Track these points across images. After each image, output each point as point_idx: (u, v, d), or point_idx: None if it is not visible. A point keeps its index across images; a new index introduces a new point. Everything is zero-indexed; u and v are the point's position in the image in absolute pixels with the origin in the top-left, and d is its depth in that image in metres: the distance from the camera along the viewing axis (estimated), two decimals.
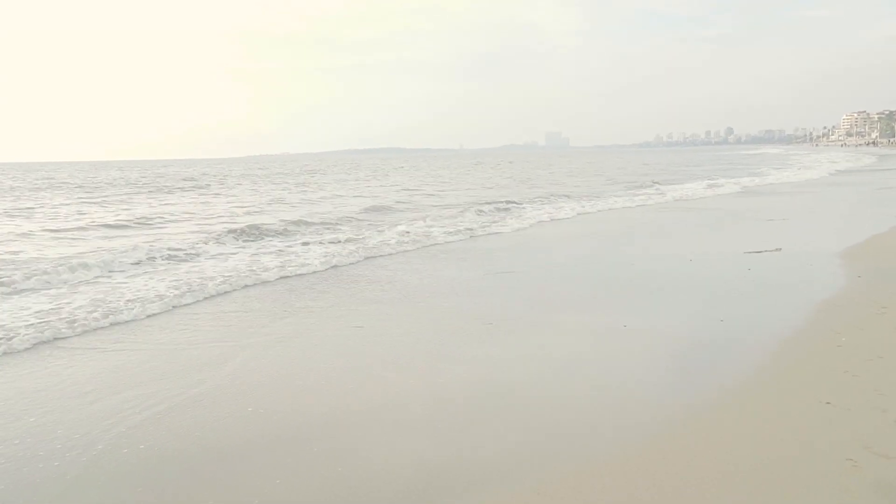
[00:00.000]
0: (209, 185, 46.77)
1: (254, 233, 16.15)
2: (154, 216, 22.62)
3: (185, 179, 55.53)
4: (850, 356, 5.85)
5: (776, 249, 12.13)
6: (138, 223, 20.34)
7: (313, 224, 18.41)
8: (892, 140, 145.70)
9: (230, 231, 16.10)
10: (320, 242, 14.61)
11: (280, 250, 13.65)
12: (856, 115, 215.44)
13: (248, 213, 23.30)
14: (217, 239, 15.04)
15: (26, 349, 6.88)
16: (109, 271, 11.12)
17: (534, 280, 10.30)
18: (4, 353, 6.76)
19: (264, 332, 7.47)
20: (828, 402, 4.84)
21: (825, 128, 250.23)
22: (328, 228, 17.76)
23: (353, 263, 12.04)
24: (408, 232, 15.95)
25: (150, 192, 38.69)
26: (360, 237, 15.28)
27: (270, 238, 15.69)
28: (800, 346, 6.31)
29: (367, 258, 12.57)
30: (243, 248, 14.26)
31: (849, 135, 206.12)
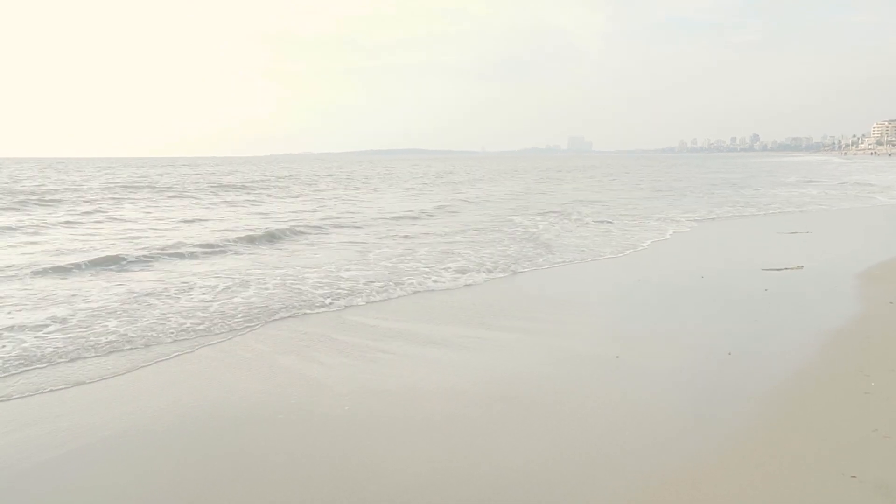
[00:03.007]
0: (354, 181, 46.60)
1: None
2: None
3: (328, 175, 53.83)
4: (882, 408, 4.85)
5: (798, 267, 11.06)
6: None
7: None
8: None
9: None
10: None
11: None
12: (886, 123, 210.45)
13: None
14: None
15: None
16: None
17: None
18: None
19: None
20: (853, 476, 3.86)
21: (854, 136, 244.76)
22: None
23: None
24: None
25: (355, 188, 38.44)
26: None
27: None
28: (820, 392, 5.31)
29: None
30: None
31: (879, 143, 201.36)
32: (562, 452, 4.34)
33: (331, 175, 58.07)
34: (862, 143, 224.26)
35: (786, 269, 10.95)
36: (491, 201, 27.62)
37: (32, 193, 30.43)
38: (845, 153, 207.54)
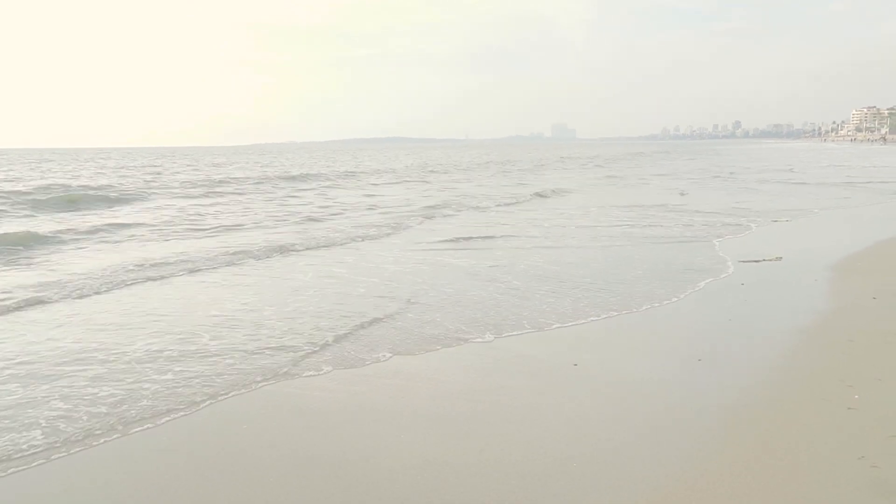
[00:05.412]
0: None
1: None
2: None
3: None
4: (868, 429, 4.21)
5: (776, 258, 10.48)
6: None
7: None
8: None
9: None
10: None
11: None
12: (865, 110, 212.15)
13: None
14: None
15: None
16: None
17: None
18: None
19: None
20: None
21: (834, 123, 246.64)
22: None
23: None
24: None
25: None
26: None
27: None
28: (797, 409, 4.66)
29: None
30: None
31: (858, 130, 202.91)
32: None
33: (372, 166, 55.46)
34: (841, 129, 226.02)
35: (764, 260, 10.37)
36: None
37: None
38: (824, 140, 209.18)
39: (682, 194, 23.84)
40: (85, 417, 4.65)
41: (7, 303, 7.80)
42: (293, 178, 34.93)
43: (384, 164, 54.27)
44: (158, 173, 41.09)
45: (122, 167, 51.56)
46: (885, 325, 6.51)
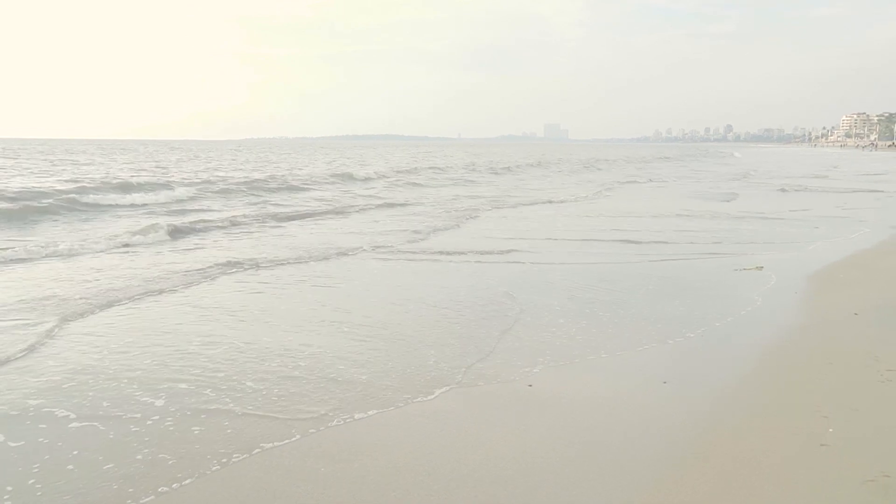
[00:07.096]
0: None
1: None
2: None
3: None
4: (841, 470, 3.75)
5: (757, 268, 10.04)
6: None
7: None
8: (893, 142, 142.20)
9: None
10: None
11: None
12: (855, 116, 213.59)
13: None
14: None
15: None
16: None
17: None
18: None
19: None
20: None
21: (824, 128, 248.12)
22: None
23: None
24: None
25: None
26: None
27: None
28: (763, 443, 4.17)
29: None
30: None
31: (848, 136, 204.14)
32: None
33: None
34: (831, 135, 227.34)
35: (743, 269, 9.93)
36: None
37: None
38: (814, 145, 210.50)
39: (727, 200, 22.74)
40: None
41: None
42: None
43: (427, 162, 51.93)
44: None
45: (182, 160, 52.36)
46: (865, 346, 6.06)
